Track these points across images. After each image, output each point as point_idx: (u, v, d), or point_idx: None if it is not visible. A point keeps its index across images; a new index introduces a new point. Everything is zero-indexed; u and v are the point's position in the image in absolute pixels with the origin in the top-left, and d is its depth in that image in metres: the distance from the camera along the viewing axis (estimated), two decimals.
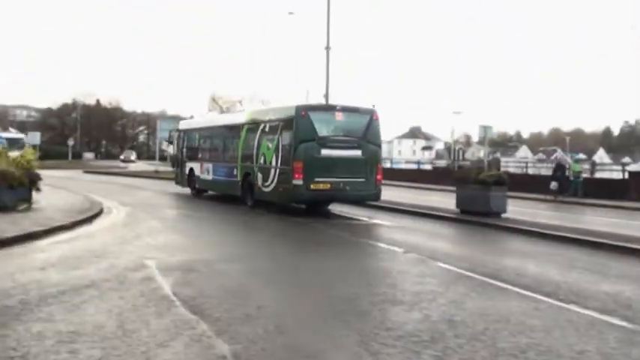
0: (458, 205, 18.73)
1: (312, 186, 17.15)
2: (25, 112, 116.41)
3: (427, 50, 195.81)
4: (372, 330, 6.28)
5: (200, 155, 24.35)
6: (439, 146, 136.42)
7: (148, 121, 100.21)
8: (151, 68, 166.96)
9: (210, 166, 23.20)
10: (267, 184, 18.68)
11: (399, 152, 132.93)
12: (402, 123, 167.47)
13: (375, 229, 15.49)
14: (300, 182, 17.15)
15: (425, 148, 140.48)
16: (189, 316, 6.66)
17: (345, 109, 18.00)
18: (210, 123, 25.03)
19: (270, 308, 7.11)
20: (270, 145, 18.62)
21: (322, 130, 17.48)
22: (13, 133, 53.74)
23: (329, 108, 18.38)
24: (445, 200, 22.15)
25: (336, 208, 19.77)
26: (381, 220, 17.30)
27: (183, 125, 27.41)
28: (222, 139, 22.66)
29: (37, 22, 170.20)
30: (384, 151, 43.79)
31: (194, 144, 25.25)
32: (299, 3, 75.61)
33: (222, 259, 10.42)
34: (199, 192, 24.46)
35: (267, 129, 19.11)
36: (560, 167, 29.33)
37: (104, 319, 6.45)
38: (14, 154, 17.85)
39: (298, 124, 17.37)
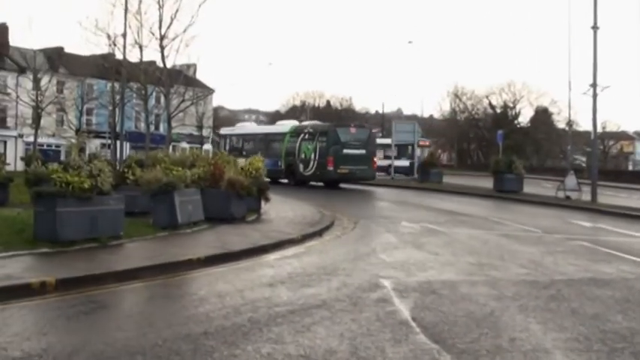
0: None
1: (338, 170, 34.44)
2: (253, 117, 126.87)
3: None
4: None
5: (244, 153, 34.67)
6: None
7: (382, 122, 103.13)
8: (384, 65, 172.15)
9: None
10: (307, 170, 35.98)
11: None
12: None
13: None
14: (331, 168, 34.48)
15: None
16: (430, 345, 6.69)
17: (356, 126, 37.84)
18: (254, 131, 45.22)
19: (525, 341, 6.88)
20: (310, 147, 35.87)
21: (344, 138, 35.02)
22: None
23: (347, 125, 38.52)
24: None
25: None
26: None
27: (224, 131, 46.03)
28: (266, 142, 38.98)
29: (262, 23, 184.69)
30: None
31: (238, 145, 41.29)
32: None
33: (466, 280, 10.39)
34: None
35: (306, 137, 36.41)
36: None
37: (336, 343, 6.73)
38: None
39: (330, 134, 35.17)
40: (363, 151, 34.93)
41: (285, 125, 40.39)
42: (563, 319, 8.01)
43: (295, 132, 37.60)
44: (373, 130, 40.92)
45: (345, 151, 34.46)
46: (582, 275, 11.30)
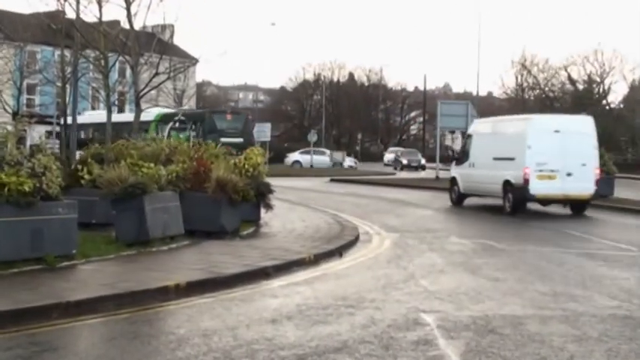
0: None
1: None
2: (250, 95, 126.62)
3: None
4: None
5: None
6: None
7: (424, 102, 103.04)
8: (426, 27, 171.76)
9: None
10: None
11: None
12: None
13: None
14: None
15: None
16: None
17: (232, 112, 48.09)
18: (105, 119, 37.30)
19: None
20: (182, 136, 35.21)
21: (220, 125, 42.36)
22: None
23: (223, 111, 47.78)
24: None
25: None
26: None
27: (82, 119, 43.25)
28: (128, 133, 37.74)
29: None
30: None
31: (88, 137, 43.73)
32: None
33: (536, 314, 10.38)
34: None
35: (177, 125, 41.72)
36: None
37: None
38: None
39: (206, 121, 42.68)
40: (240, 140, 39.62)
41: (151, 113, 42.68)
42: None
43: (163, 120, 43.32)
44: (249, 116, 50.40)
45: (223, 140, 33.42)
46: None
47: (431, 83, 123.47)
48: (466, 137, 33.43)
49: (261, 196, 18.65)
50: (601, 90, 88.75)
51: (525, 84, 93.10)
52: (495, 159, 27.66)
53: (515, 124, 29.28)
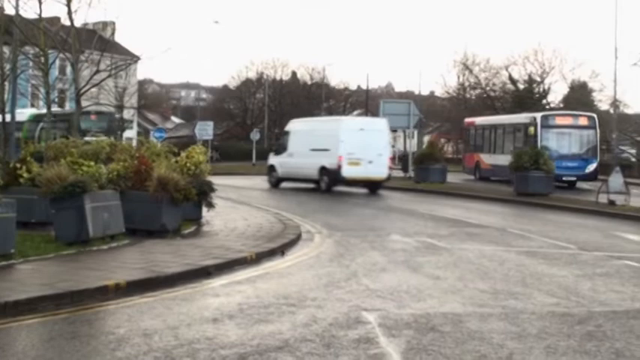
0: None
1: None
2: (192, 93, 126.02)
3: None
4: None
5: None
6: None
7: (367, 101, 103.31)
8: (370, 26, 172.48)
9: None
10: None
11: None
12: None
13: None
14: None
15: None
16: None
17: (96, 113, 42.95)
18: None
19: None
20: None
21: (85, 125, 37.73)
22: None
23: (88, 112, 39.39)
24: None
25: None
26: None
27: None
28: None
29: None
30: None
31: None
32: None
33: (476, 312, 10.49)
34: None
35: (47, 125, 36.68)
36: None
37: None
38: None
39: (71, 121, 35.90)
40: (104, 138, 41.30)
41: (24, 113, 43.60)
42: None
43: (36, 120, 42.39)
44: (115, 115, 51.38)
45: (87, 139, 36.80)
46: (629, 306, 11.46)
47: (373, 82, 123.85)
48: (284, 133, 41.01)
49: (202, 194, 18.57)
50: (541, 89, 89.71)
51: (467, 83, 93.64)
52: (312, 150, 35.31)
53: (330, 123, 40.16)
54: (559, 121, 43.48)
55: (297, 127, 39.63)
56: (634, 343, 9.02)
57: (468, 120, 55.56)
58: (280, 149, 39.04)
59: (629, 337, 9.30)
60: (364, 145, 33.86)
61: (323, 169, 34.67)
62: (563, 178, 39.06)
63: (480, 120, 53.56)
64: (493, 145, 47.50)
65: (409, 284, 12.58)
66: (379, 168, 34.51)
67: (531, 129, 41.92)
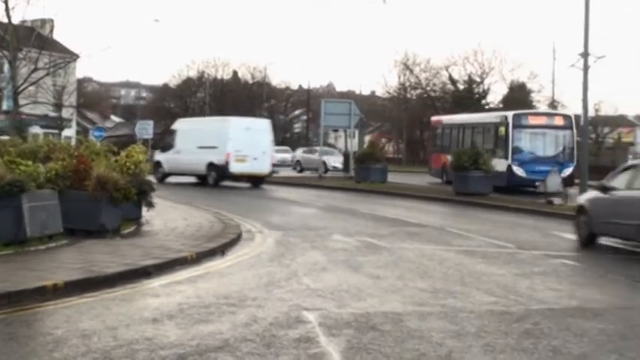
0: None
1: None
2: (132, 92, 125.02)
3: None
4: None
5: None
6: None
7: (308, 100, 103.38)
8: (311, 26, 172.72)
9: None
10: None
11: None
12: None
13: None
14: None
15: None
16: None
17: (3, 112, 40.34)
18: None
19: None
20: None
21: None
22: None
23: None
24: None
25: None
26: None
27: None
28: None
29: None
30: None
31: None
32: None
33: (416, 311, 10.58)
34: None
35: None
36: None
37: None
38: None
39: None
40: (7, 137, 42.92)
41: None
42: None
43: None
44: (23, 116, 47.96)
45: None
46: (566, 304, 11.65)
47: (315, 82, 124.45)
48: (170, 131, 44.17)
49: (142, 194, 18.42)
50: (481, 90, 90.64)
51: (408, 83, 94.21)
52: (200, 147, 37.86)
53: (218, 123, 41.96)
54: (532, 120, 40.47)
55: (183, 126, 42.98)
56: (571, 341, 9.16)
57: (434, 118, 54.77)
58: (167, 147, 41.71)
59: (566, 335, 9.45)
60: (250, 144, 36.76)
61: (211, 165, 37.51)
62: (536, 184, 34.40)
63: (447, 118, 51.10)
64: (461, 145, 42.04)
65: (350, 283, 12.64)
66: (263, 164, 37.91)
67: (502, 129, 39.66)
